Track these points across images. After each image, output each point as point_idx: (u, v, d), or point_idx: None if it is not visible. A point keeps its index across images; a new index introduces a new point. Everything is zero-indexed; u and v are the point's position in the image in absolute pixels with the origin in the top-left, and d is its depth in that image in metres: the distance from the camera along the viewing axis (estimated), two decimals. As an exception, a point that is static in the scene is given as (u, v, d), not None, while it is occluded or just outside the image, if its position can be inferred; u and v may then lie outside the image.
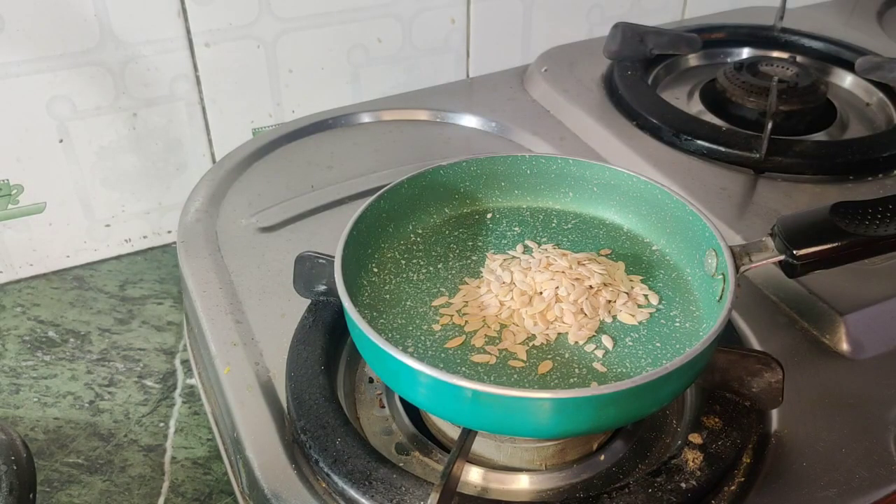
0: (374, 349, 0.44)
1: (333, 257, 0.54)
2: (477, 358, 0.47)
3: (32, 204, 0.75)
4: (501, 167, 0.58)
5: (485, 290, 0.51)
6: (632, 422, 0.50)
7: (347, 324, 0.47)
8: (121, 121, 0.75)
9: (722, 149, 0.73)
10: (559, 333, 0.49)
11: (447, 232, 0.57)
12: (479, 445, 0.49)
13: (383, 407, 0.54)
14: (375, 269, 0.54)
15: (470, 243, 0.56)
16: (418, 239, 0.57)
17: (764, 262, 0.49)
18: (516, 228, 0.58)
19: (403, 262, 0.55)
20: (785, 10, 0.93)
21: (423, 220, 0.58)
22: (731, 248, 0.48)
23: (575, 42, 0.93)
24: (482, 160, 0.58)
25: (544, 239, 0.56)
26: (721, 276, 0.48)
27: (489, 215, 0.59)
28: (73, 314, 0.74)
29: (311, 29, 0.80)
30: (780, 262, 0.49)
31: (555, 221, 0.58)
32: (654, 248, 0.55)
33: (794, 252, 0.48)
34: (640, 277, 0.53)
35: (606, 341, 0.48)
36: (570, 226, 0.58)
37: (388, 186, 0.55)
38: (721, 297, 0.47)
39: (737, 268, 0.47)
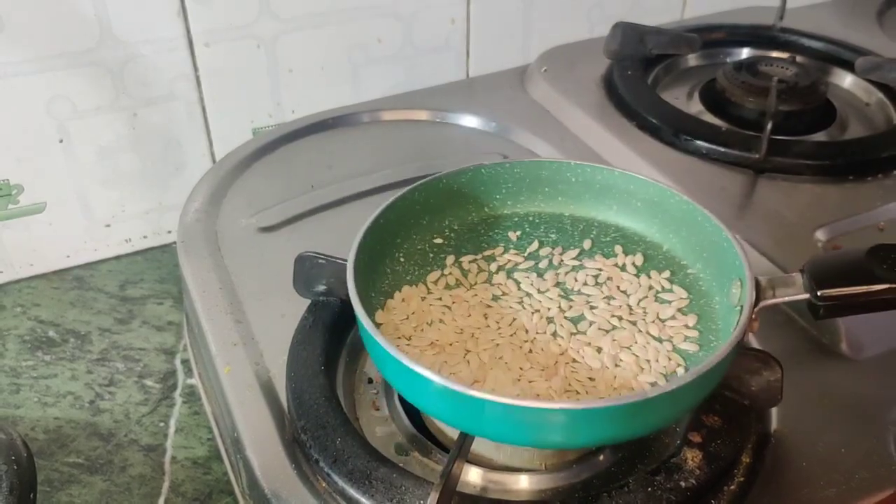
0: (374, 344, 0.44)
1: (334, 257, 0.55)
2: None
3: (32, 204, 0.75)
4: (546, 172, 0.57)
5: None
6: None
7: (355, 313, 0.46)
8: (120, 120, 0.75)
9: (721, 149, 0.73)
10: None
11: (482, 231, 0.57)
12: (479, 446, 0.49)
13: (378, 409, 0.54)
14: (402, 259, 0.54)
15: (503, 245, 0.56)
16: (452, 235, 0.56)
17: (787, 298, 0.46)
18: (553, 235, 0.57)
19: (431, 255, 0.55)
20: (785, 10, 0.93)
21: (459, 217, 0.57)
22: (757, 280, 0.46)
23: (575, 42, 0.93)
24: (527, 163, 0.57)
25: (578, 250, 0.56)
26: (740, 308, 0.46)
27: (529, 219, 0.58)
28: (73, 314, 0.74)
29: (310, 29, 0.80)
30: (805, 301, 0.46)
31: (594, 232, 0.57)
32: (689, 270, 0.54)
33: (819, 292, 0.45)
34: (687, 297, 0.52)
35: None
36: (609, 238, 0.57)
37: (426, 179, 0.55)
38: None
39: (756, 301, 0.45)
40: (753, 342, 0.56)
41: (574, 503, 0.46)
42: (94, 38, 0.70)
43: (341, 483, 0.46)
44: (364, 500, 0.45)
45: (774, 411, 0.52)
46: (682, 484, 0.45)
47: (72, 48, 0.70)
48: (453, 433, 0.50)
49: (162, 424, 0.64)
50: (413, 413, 0.52)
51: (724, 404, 0.49)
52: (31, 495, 0.47)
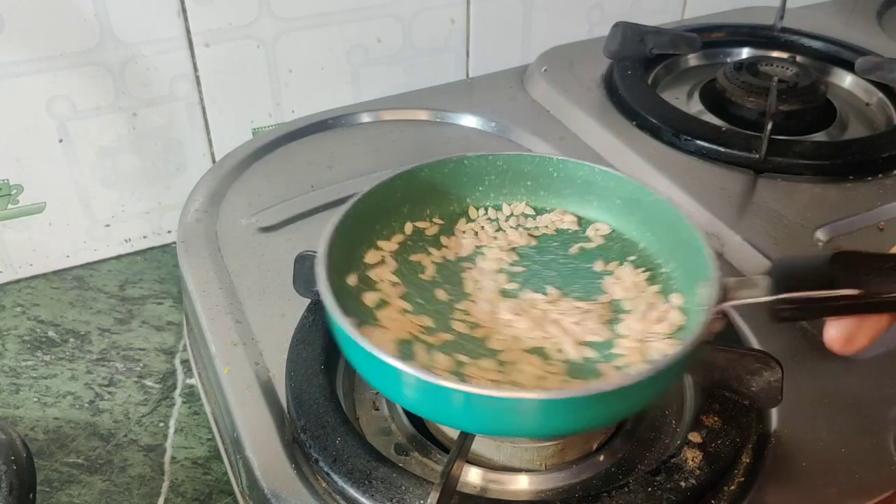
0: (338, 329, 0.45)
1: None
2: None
3: (32, 204, 0.75)
4: (528, 166, 0.57)
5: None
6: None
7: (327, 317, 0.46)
8: (121, 121, 0.75)
9: (721, 149, 0.73)
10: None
11: (463, 222, 0.57)
12: (479, 446, 0.49)
13: (378, 409, 0.54)
14: (380, 246, 0.54)
15: (480, 236, 0.56)
16: (432, 224, 0.56)
17: (750, 300, 0.46)
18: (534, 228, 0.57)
19: (410, 243, 0.55)
20: (785, 10, 0.93)
21: (441, 207, 0.57)
22: (723, 282, 0.46)
23: (575, 42, 0.93)
24: (509, 156, 0.57)
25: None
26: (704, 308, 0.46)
27: (508, 212, 0.58)
28: (72, 314, 0.74)
29: (311, 29, 0.80)
30: (767, 303, 0.46)
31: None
32: (662, 269, 0.53)
33: (780, 296, 0.45)
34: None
35: (573, 351, 0.47)
36: (587, 234, 0.56)
37: (407, 168, 0.55)
38: None
39: (718, 302, 0.45)
40: (754, 342, 0.56)
41: (574, 503, 0.46)
42: (95, 39, 0.71)
43: (341, 483, 0.46)
44: (364, 499, 0.45)
45: (775, 411, 0.52)
46: (683, 484, 0.45)
47: (72, 48, 0.70)
48: (453, 433, 0.50)
49: (162, 424, 0.64)
50: (412, 413, 0.52)
51: (725, 405, 0.49)
52: (31, 495, 0.47)
